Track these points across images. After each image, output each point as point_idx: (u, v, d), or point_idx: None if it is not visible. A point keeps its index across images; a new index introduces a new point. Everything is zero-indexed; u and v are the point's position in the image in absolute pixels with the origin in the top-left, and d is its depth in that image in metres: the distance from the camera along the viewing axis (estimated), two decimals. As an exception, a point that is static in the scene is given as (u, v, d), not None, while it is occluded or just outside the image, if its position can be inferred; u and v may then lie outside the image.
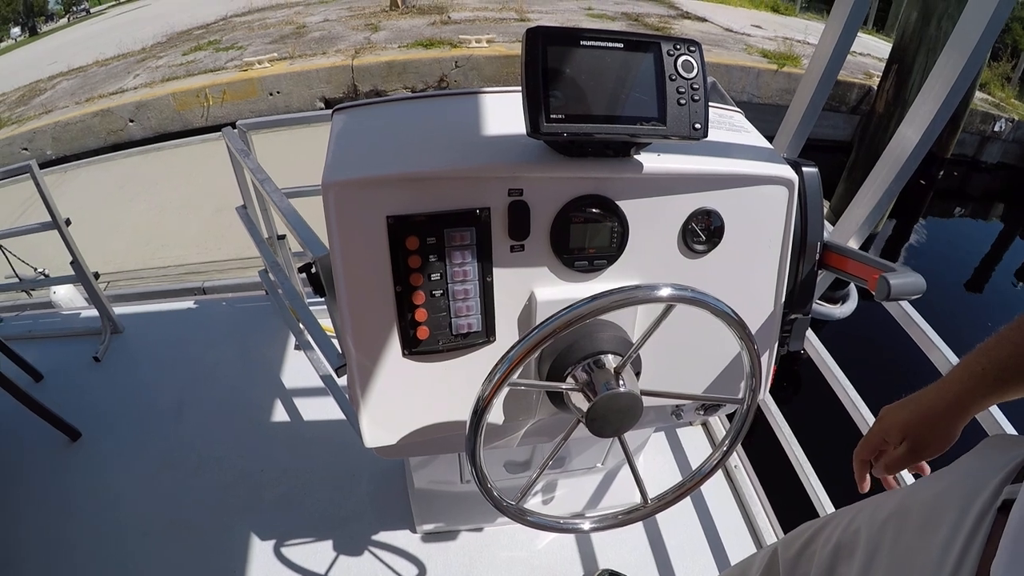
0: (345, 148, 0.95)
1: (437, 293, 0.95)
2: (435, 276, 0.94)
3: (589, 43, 0.80)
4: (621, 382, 0.89)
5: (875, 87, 8.62)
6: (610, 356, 0.94)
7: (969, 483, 0.73)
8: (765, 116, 1.21)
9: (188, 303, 3.06)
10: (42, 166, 2.54)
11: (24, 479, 2.20)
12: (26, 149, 10.18)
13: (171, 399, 2.48)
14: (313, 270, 1.03)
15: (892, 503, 0.82)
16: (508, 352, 0.80)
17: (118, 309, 2.94)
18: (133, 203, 7.50)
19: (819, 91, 1.58)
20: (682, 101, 0.84)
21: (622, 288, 0.79)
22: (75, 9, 37.27)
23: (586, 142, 0.87)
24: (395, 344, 0.98)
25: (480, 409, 0.82)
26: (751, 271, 1.09)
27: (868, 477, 0.98)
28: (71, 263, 2.69)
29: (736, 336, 0.88)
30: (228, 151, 2.06)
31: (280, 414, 2.36)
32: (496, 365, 0.80)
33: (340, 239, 0.90)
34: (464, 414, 0.85)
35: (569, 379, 0.93)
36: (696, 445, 2.15)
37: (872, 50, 11.11)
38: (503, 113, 1.01)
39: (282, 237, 2.36)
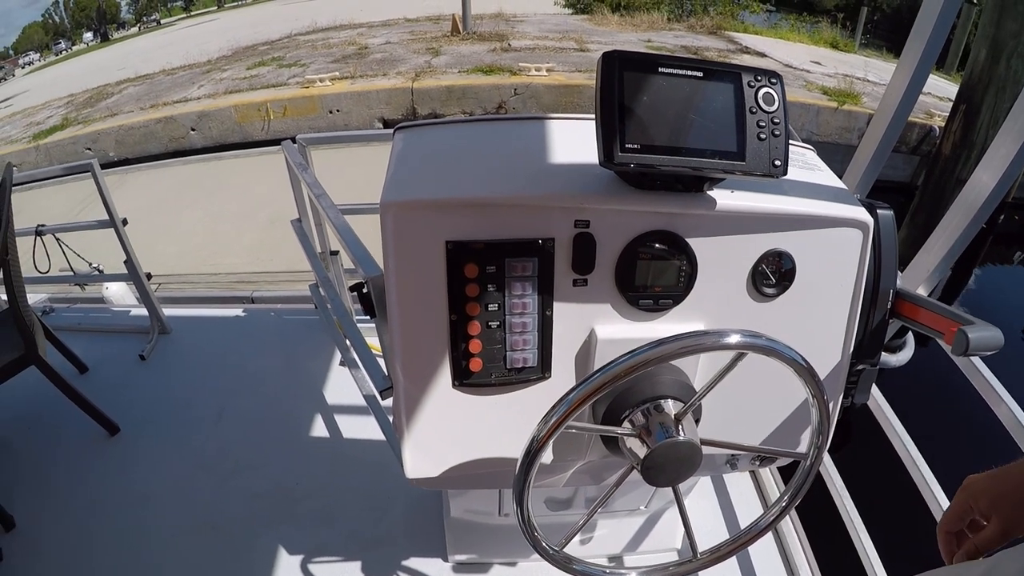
0: (406, 168, 0.93)
1: (493, 324, 0.91)
2: (492, 307, 0.90)
3: (667, 70, 0.76)
4: (681, 430, 0.84)
5: (936, 127, 8.40)
6: (670, 402, 0.89)
7: None
8: (825, 155, 1.17)
9: (237, 311, 3.10)
10: (104, 167, 2.61)
11: (61, 468, 2.24)
12: (90, 149, 10.60)
13: (212, 403, 2.50)
14: (365, 290, 1.01)
15: None
16: (568, 394, 0.75)
17: (167, 311, 2.99)
18: (189, 209, 7.70)
19: (890, 130, 1.53)
20: (762, 136, 0.79)
21: (690, 334, 0.75)
22: (146, 19, 38.96)
23: (660, 175, 0.84)
24: (445, 374, 0.94)
25: (533, 451, 0.77)
26: (821, 317, 1.03)
27: (954, 545, 0.91)
28: (125, 262, 2.75)
29: (808, 390, 0.83)
30: (287, 164, 2.08)
31: (320, 429, 2.35)
32: (554, 407, 0.76)
33: (396, 261, 0.87)
34: (512, 451, 0.81)
35: (626, 423, 0.88)
36: (743, 491, 2.07)
37: (933, 88, 10.83)
38: (570, 140, 0.98)
39: (335, 253, 2.37)
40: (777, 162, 0.81)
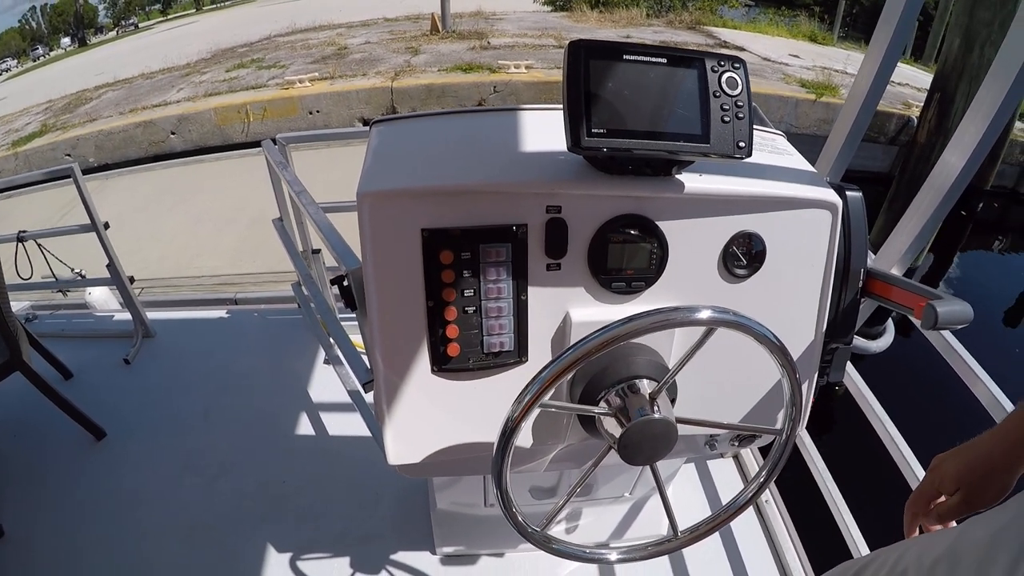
0: (382, 160, 0.95)
1: (470, 310, 0.93)
2: (468, 292, 0.92)
3: (632, 58, 0.79)
4: (656, 408, 0.86)
5: (914, 117, 8.49)
6: (645, 381, 0.91)
7: None
8: (803, 146, 1.19)
9: (220, 312, 3.08)
10: (84, 172, 2.60)
11: (48, 475, 2.23)
12: (69, 155, 10.50)
13: (198, 405, 2.50)
14: (345, 283, 1.02)
15: (942, 545, 0.78)
16: (540, 372, 0.77)
17: (151, 314, 2.97)
18: (171, 213, 7.66)
19: (861, 116, 1.55)
20: (726, 119, 0.82)
21: (660, 309, 0.77)
22: (124, 23, 38.57)
23: (627, 158, 0.86)
24: (424, 360, 0.96)
25: (509, 430, 0.79)
26: (792, 297, 1.05)
27: (917, 528, 0.93)
28: (107, 266, 2.73)
29: (778, 364, 0.85)
30: (267, 164, 2.08)
31: (305, 427, 2.35)
32: (528, 385, 0.78)
33: (373, 250, 0.89)
34: (492, 435, 0.83)
35: (602, 403, 0.90)
36: (727, 477, 2.09)
37: (910, 79, 10.94)
38: (541, 130, 1.00)
39: (317, 251, 2.38)
40: (741, 144, 0.83)
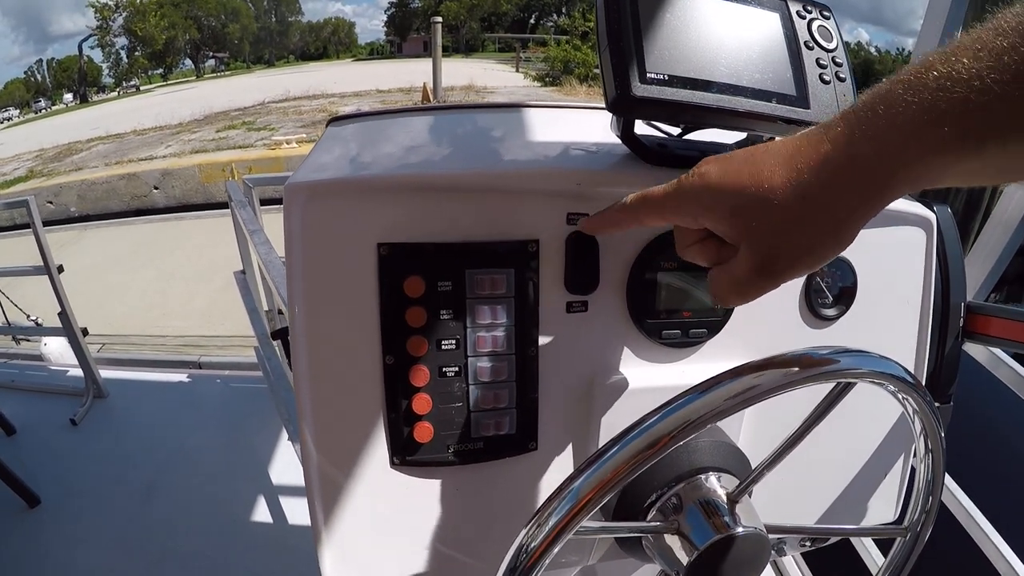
0: (330, 152, 0.67)
1: (450, 371, 0.61)
2: (448, 343, 0.61)
3: None
4: (737, 518, 0.56)
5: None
6: (712, 476, 0.60)
7: None
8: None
9: (181, 376, 3.01)
10: (64, 222, 2.50)
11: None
12: (51, 203, 10.53)
13: (144, 478, 2.31)
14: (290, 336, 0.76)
15: None
16: (572, 481, 0.46)
17: (108, 373, 2.88)
18: (144, 269, 7.79)
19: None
20: (825, 78, 0.61)
21: (772, 361, 0.47)
22: (126, 84, 40.10)
23: (697, 121, 0.62)
24: (380, 448, 0.63)
25: (521, 568, 0.46)
26: (887, 343, 0.77)
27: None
28: (59, 314, 2.64)
29: (924, 442, 0.59)
30: (230, 208, 1.89)
31: (262, 512, 2.10)
32: (552, 502, 0.46)
33: (304, 276, 0.58)
34: (480, 557, 0.59)
35: (653, 513, 0.60)
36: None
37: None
38: (555, 125, 0.75)
39: (282, 312, 2.21)
40: None
